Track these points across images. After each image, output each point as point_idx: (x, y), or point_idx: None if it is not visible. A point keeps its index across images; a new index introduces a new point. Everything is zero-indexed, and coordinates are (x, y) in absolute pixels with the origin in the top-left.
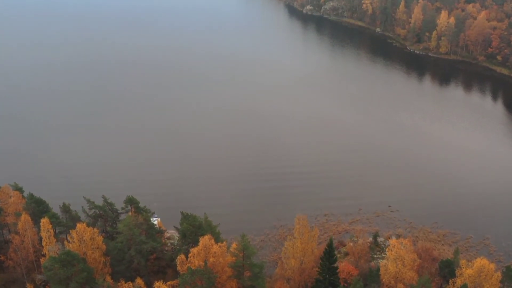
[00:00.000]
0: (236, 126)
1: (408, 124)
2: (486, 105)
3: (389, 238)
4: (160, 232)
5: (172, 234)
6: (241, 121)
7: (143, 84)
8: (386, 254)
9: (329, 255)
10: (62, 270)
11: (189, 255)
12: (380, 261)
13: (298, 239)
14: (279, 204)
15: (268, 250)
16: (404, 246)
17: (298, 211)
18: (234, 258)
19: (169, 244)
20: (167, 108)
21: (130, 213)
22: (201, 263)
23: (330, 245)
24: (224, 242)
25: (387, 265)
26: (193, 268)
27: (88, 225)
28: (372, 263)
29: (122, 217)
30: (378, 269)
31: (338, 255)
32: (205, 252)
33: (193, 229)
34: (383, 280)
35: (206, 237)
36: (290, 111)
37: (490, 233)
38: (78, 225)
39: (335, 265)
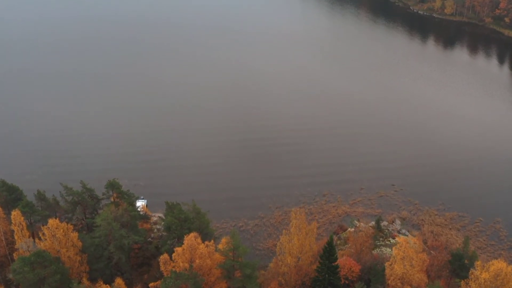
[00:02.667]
0: (226, 94)
1: (411, 91)
2: (493, 70)
3: (392, 222)
4: (145, 218)
5: (160, 217)
6: (231, 87)
7: (128, 46)
8: (389, 241)
9: (329, 254)
10: (32, 273)
11: (173, 255)
12: (383, 249)
13: (295, 235)
14: (274, 184)
15: (262, 236)
16: (413, 245)
17: (295, 191)
18: (223, 258)
19: (155, 230)
20: (152, 76)
21: (112, 198)
22: (186, 265)
23: (330, 243)
24: (212, 241)
25: (393, 265)
26: (177, 270)
27: (67, 212)
28: (375, 253)
29: (104, 203)
30: (383, 269)
31: (338, 242)
32: (190, 252)
33: (179, 223)
34: (389, 281)
35: (192, 235)
36: (284, 75)
37: (501, 215)
38: (50, 221)
39: (336, 263)
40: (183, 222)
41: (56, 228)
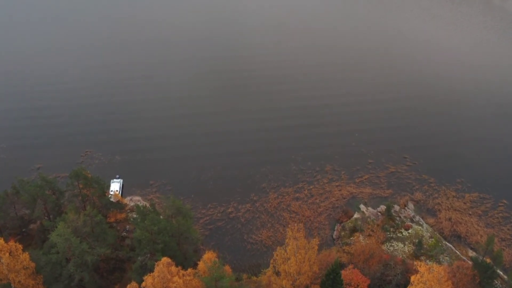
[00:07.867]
0: (213, 51)
1: (423, 37)
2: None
3: (405, 206)
4: (119, 207)
5: (137, 203)
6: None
7: None
8: (401, 233)
9: (333, 282)
10: None
11: (142, 285)
12: (394, 243)
13: (292, 254)
14: (269, 158)
15: (255, 225)
16: (436, 274)
17: (293, 166)
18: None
19: (131, 220)
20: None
21: (76, 190)
22: None
23: (335, 270)
24: (189, 270)
25: None
26: None
27: (27, 204)
28: (386, 252)
29: (69, 194)
30: None
31: (343, 233)
32: (162, 285)
33: (151, 236)
34: None
35: (163, 262)
36: (273, 18)
37: None
38: None
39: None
40: (156, 235)
41: (0, 251)
